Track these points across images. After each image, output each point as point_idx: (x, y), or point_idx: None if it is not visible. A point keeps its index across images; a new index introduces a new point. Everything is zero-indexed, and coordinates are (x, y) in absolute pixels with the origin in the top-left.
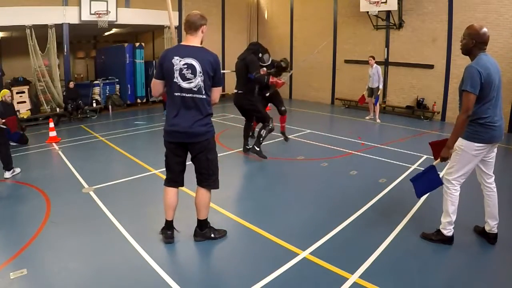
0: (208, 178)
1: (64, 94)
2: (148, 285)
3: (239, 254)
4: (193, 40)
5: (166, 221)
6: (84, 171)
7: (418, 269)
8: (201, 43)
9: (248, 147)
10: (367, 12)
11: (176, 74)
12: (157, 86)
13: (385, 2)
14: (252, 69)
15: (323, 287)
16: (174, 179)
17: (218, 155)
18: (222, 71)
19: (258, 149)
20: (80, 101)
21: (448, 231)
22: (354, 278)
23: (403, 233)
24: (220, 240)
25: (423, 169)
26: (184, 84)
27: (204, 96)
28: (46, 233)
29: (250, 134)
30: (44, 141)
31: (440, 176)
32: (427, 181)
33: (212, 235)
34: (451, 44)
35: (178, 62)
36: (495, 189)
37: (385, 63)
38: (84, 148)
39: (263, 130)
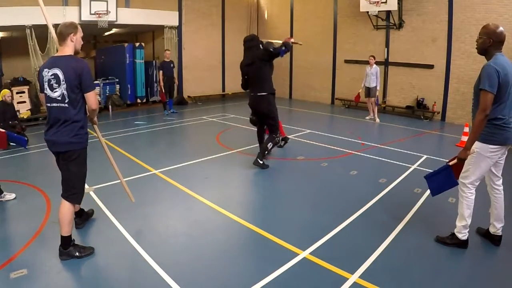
0: (67, 190)
1: None
2: (148, 285)
3: (239, 254)
4: (63, 50)
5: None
6: None
7: (418, 269)
8: (76, 52)
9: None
10: (367, 12)
11: (46, 85)
12: (41, 98)
13: (385, 2)
14: (269, 48)
15: (323, 287)
16: None
17: (218, 155)
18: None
19: (261, 162)
20: None
21: (463, 235)
22: (354, 278)
23: (403, 233)
24: (219, 240)
25: (425, 169)
26: (52, 94)
27: (67, 105)
28: (46, 233)
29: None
30: (44, 141)
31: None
32: (442, 180)
33: (77, 254)
34: (451, 44)
35: (47, 74)
36: (502, 191)
37: (385, 63)
38: None
39: (270, 143)
